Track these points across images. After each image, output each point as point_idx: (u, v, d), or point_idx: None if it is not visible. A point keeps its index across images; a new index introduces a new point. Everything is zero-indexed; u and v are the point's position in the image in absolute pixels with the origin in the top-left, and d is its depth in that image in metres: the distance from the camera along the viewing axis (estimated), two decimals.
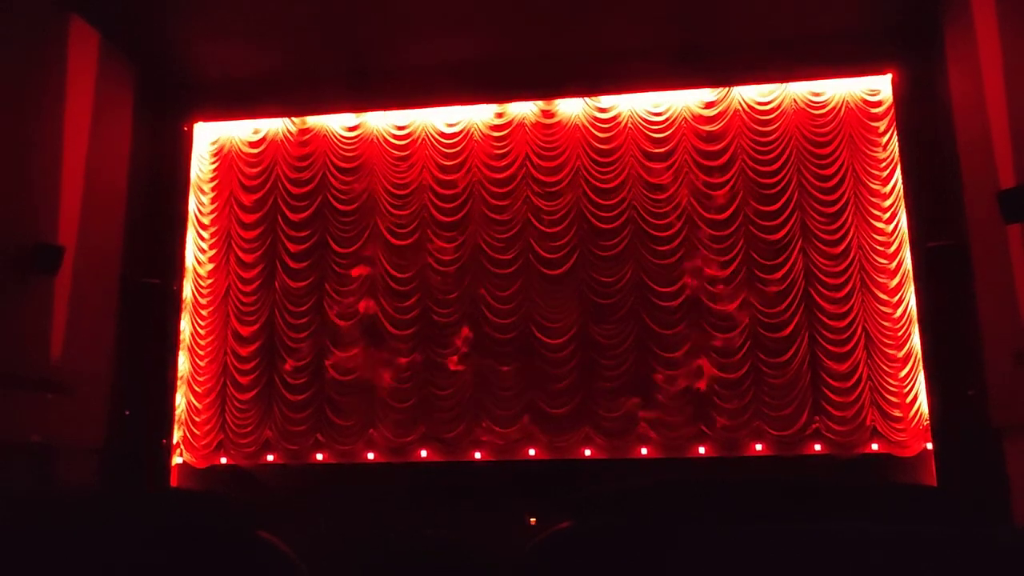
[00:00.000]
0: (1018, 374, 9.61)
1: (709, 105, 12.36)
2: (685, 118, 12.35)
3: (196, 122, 13.34)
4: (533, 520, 10.46)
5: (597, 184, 12.36)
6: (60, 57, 11.07)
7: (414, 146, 12.87)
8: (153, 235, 12.91)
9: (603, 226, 12.26)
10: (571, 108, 12.66)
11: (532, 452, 11.83)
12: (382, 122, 13.02)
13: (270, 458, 12.33)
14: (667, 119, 12.38)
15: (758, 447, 11.46)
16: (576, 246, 12.27)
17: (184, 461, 12.48)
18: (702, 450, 11.52)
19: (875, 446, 11.26)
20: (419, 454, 12.05)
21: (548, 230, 12.37)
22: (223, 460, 12.42)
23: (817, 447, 11.35)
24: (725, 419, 11.53)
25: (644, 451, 11.61)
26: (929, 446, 11.03)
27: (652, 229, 12.16)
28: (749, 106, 12.27)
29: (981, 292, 10.75)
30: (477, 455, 11.96)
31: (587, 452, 11.73)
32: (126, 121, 12.58)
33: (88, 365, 11.32)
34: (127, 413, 12.16)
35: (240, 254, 12.97)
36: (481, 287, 12.36)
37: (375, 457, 12.11)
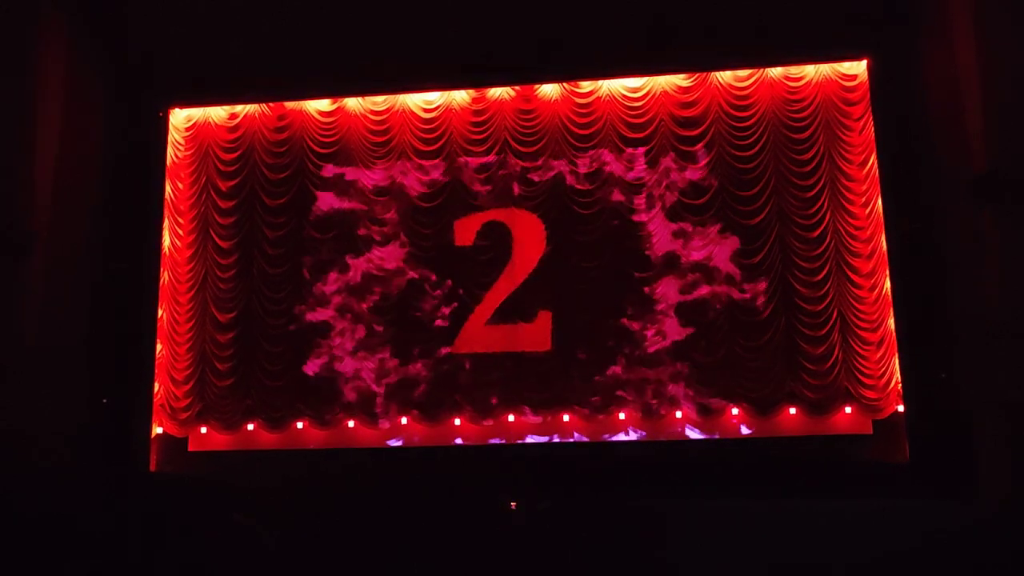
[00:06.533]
0: (988, 356, 9.81)
1: (687, 91, 12.39)
2: (663, 103, 12.38)
3: (172, 108, 13.19)
4: (514, 504, 10.55)
5: (576, 170, 12.38)
6: (28, 41, 10.93)
7: (392, 131, 12.81)
8: (129, 221, 12.80)
9: (582, 211, 12.30)
10: (550, 92, 12.65)
11: (513, 426, 12.08)
12: (360, 107, 12.95)
13: (250, 427, 12.38)
14: (645, 104, 12.40)
15: (734, 411, 11.68)
16: (555, 231, 12.29)
17: (164, 431, 12.50)
18: (679, 414, 11.76)
19: (848, 409, 11.46)
20: (399, 421, 12.20)
21: (528, 216, 12.38)
22: (203, 430, 12.45)
23: (792, 411, 11.56)
24: (704, 399, 11.72)
25: (623, 422, 11.85)
26: (900, 408, 11.26)
27: (630, 214, 12.21)
28: (726, 92, 12.30)
29: (954, 276, 10.93)
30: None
31: (566, 418, 11.95)
32: (99, 106, 12.46)
33: (63, 352, 11.27)
34: (104, 401, 12.12)
35: (217, 240, 12.87)
36: (461, 274, 12.35)
37: (354, 425, 12.24)
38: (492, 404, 12.04)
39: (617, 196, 12.24)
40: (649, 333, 11.92)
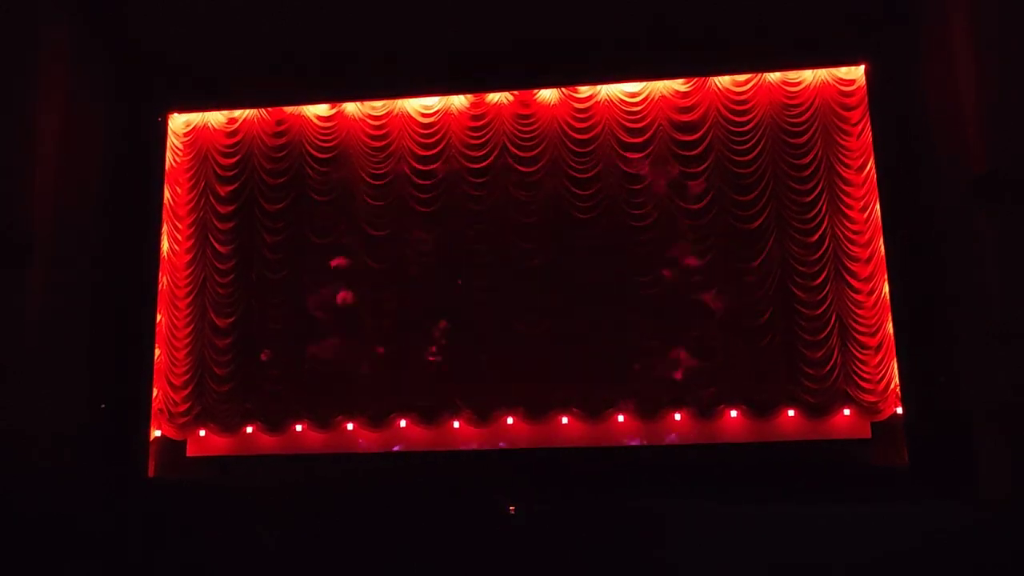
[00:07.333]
0: (987, 357, 9.82)
1: (685, 95, 12.42)
2: (662, 108, 12.40)
3: (171, 113, 13.20)
4: (512, 508, 10.54)
5: (575, 174, 12.39)
6: (28, 41, 10.94)
7: (391, 136, 12.83)
8: (128, 225, 12.79)
9: (581, 216, 12.31)
10: (549, 97, 12.67)
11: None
12: (358, 112, 12.97)
13: (249, 430, 12.37)
14: (644, 109, 12.42)
15: (733, 414, 11.67)
16: (554, 236, 12.30)
17: (162, 435, 12.48)
18: (678, 416, 11.75)
19: (846, 411, 11.45)
20: (398, 423, 12.17)
21: (526, 220, 12.39)
22: (202, 433, 12.44)
23: (791, 412, 11.57)
24: (703, 402, 11.71)
25: (621, 417, 11.85)
26: (899, 411, 11.26)
27: (630, 220, 12.22)
28: (725, 96, 12.33)
29: (954, 276, 10.94)
30: (455, 424, 12.10)
31: (564, 420, 11.93)
32: (99, 108, 12.47)
33: (63, 353, 11.26)
34: (103, 406, 12.10)
35: (216, 245, 12.88)
36: (459, 278, 12.36)
37: (353, 428, 12.22)
38: (491, 407, 12.03)
39: (617, 200, 12.23)
40: (649, 337, 11.91)
